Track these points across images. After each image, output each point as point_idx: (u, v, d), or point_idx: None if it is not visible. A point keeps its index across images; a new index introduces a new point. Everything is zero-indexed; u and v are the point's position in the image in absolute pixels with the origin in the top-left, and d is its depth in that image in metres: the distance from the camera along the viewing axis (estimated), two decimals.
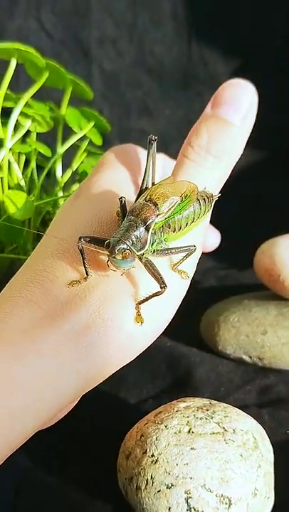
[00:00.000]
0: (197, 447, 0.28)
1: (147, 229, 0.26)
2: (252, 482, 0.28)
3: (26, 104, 0.42)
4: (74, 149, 0.47)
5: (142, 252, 0.26)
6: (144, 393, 0.40)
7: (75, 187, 0.46)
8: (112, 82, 0.65)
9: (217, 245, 0.39)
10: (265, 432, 0.31)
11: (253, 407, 0.37)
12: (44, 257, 0.27)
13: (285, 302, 0.44)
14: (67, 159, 0.47)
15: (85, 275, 0.26)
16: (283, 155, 0.63)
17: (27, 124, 0.43)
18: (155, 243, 0.27)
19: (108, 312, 0.25)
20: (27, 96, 0.41)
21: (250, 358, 0.42)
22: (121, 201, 0.28)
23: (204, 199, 0.29)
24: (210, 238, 0.38)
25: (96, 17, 0.63)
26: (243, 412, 0.32)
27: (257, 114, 0.31)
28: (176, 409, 0.31)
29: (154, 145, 0.30)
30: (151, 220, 0.26)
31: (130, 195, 0.30)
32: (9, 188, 0.42)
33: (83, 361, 0.25)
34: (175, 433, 0.29)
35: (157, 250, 0.27)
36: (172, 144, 0.42)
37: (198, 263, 0.30)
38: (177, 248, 0.28)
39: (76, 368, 0.24)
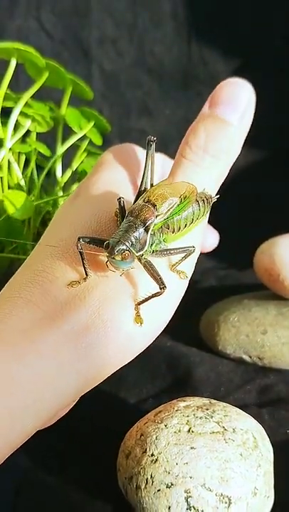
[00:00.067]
0: (197, 446, 0.28)
1: (146, 230, 0.26)
2: (252, 481, 0.28)
3: (26, 104, 0.42)
4: (74, 149, 0.47)
5: (141, 252, 0.26)
6: (144, 393, 0.40)
7: (75, 187, 0.46)
8: (112, 82, 0.65)
9: (216, 245, 0.39)
10: (264, 432, 0.31)
11: (253, 407, 0.37)
12: (43, 257, 0.27)
13: (285, 302, 0.44)
14: (67, 159, 0.47)
15: (85, 276, 0.26)
16: (283, 155, 0.63)
17: (27, 124, 0.43)
18: (154, 244, 0.27)
19: (107, 313, 0.25)
20: (27, 96, 0.42)
21: (250, 357, 0.42)
22: (120, 202, 0.28)
23: (203, 200, 0.29)
24: (208, 238, 0.38)
25: (96, 17, 0.63)
26: (243, 412, 0.32)
27: (256, 114, 0.31)
28: (176, 408, 0.31)
29: (153, 146, 0.30)
30: (150, 221, 0.26)
31: (129, 195, 0.30)
32: (9, 187, 0.42)
33: (83, 361, 0.25)
34: (175, 432, 0.29)
35: (156, 251, 0.27)
36: (172, 144, 0.42)
37: (198, 263, 0.30)
38: (176, 249, 0.28)
39: (76, 368, 0.24)
